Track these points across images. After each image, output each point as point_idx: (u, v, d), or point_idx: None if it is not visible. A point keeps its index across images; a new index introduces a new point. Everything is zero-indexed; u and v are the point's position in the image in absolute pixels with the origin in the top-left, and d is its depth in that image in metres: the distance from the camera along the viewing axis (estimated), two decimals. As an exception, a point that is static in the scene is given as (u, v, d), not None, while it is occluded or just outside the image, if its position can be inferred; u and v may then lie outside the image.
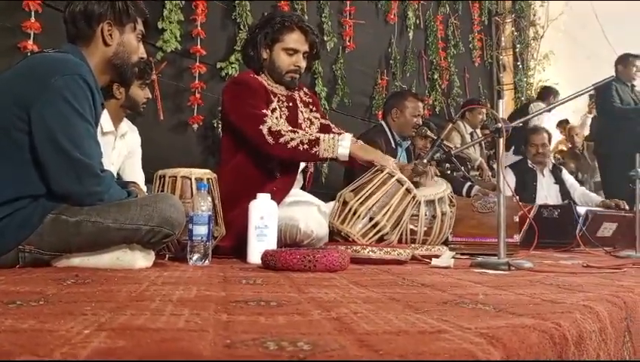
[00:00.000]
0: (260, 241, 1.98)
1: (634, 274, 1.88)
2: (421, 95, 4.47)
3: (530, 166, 4.63)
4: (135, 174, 2.77)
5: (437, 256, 2.14)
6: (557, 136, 6.91)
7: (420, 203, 2.39)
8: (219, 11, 3.76)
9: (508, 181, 3.58)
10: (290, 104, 2.56)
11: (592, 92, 5.11)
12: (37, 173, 1.63)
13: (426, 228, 2.44)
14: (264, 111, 2.38)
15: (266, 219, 2.00)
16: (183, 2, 3.42)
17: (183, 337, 0.73)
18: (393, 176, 2.27)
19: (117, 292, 1.14)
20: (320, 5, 4.55)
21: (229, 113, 2.46)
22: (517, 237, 2.94)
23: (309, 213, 2.31)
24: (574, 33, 7.37)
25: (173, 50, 3.36)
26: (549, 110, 5.07)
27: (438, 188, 2.51)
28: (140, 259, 1.69)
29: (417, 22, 5.72)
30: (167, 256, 2.02)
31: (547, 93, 6.04)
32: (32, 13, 2.70)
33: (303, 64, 2.56)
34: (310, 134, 2.34)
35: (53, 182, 1.63)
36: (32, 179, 1.63)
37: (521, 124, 2.33)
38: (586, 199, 4.56)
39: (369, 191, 2.24)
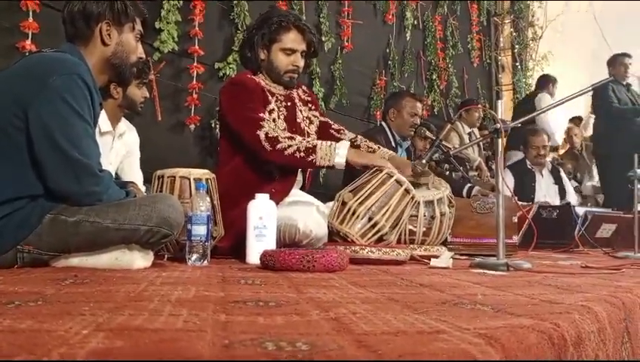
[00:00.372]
0: (259, 241, 1.98)
1: (632, 275, 1.89)
2: (419, 95, 4.47)
3: (529, 167, 4.63)
4: (133, 174, 2.77)
5: (436, 257, 2.14)
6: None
7: (419, 203, 2.39)
8: (217, 11, 3.77)
9: (507, 182, 3.59)
10: (289, 103, 2.56)
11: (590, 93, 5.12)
12: (35, 173, 1.63)
13: (424, 229, 2.43)
14: (261, 115, 2.37)
15: (264, 219, 2.00)
16: (181, 2, 3.42)
17: (181, 337, 0.72)
18: (392, 176, 2.27)
19: (115, 293, 1.14)
20: (318, 6, 4.55)
21: (227, 115, 2.45)
22: (516, 238, 2.94)
23: (307, 213, 2.31)
24: (573, 34, 7.38)
25: (170, 51, 3.35)
26: (547, 110, 5.05)
27: (437, 189, 2.51)
28: (139, 259, 1.69)
29: (415, 22, 5.73)
30: (165, 256, 2.02)
31: (546, 82, 5.94)
32: (30, 12, 2.70)
33: (302, 63, 2.55)
34: (307, 141, 2.33)
35: (52, 182, 1.63)
36: (30, 179, 1.63)
37: (519, 125, 2.33)
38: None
39: (368, 192, 2.24)
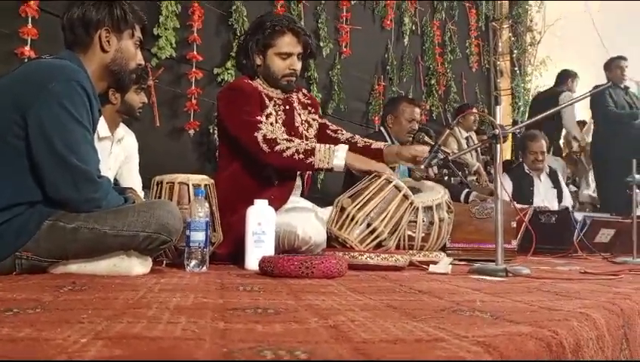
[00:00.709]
0: (258, 247, 1.98)
1: (631, 281, 1.89)
2: (418, 100, 4.48)
3: (526, 171, 4.64)
4: (132, 179, 2.77)
5: (435, 262, 2.14)
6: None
7: (417, 209, 2.39)
8: (215, 17, 3.78)
9: (505, 186, 3.59)
10: (287, 107, 2.56)
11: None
12: (34, 180, 1.63)
13: (423, 234, 2.44)
14: (258, 118, 2.37)
15: (263, 225, 2.00)
16: (179, 9, 3.43)
17: (179, 346, 0.72)
18: (391, 182, 2.27)
19: (114, 300, 1.14)
20: (317, 11, 4.56)
21: (224, 120, 2.45)
22: (514, 243, 2.94)
23: (306, 220, 2.31)
24: (571, 39, 7.39)
25: (169, 57, 3.36)
26: (544, 118, 5.06)
27: (436, 194, 2.51)
28: (137, 266, 1.69)
29: (414, 28, 5.74)
30: (164, 262, 2.01)
31: (565, 78, 5.88)
32: (30, 19, 2.71)
33: (298, 66, 2.53)
34: (306, 143, 2.33)
35: (50, 189, 1.63)
36: (29, 185, 1.63)
37: (518, 131, 2.34)
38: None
39: (367, 198, 2.24)
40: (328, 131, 2.68)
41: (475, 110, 5.52)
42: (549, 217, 3.78)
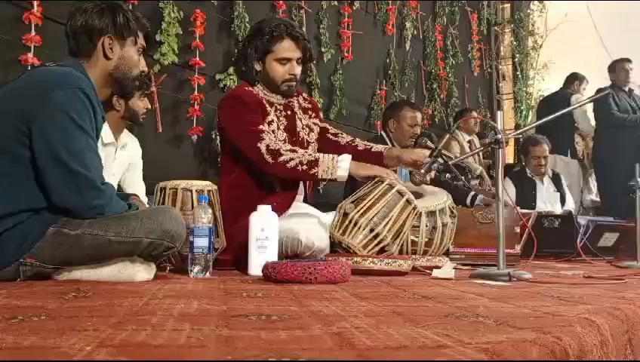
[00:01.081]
0: (261, 253, 1.98)
1: (635, 286, 1.88)
2: (418, 105, 4.49)
3: (529, 175, 4.63)
4: (136, 186, 2.78)
5: (438, 267, 2.14)
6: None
7: (420, 214, 2.39)
8: (217, 23, 3.79)
9: (508, 191, 3.59)
10: (289, 113, 2.56)
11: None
12: (38, 187, 1.64)
13: (426, 239, 2.43)
14: (261, 127, 2.37)
15: (266, 230, 2.00)
16: (182, 15, 3.44)
17: (184, 354, 0.73)
18: (393, 187, 2.27)
19: (118, 307, 1.14)
20: (318, 17, 4.58)
21: (226, 128, 2.46)
22: (518, 248, 2.93)
23: (309, 225, 2.31)
24: (573, 43, 7.39)
25: (171, 63, 3.37)
26: (540, 125, 5.05)
27: (438, 199, 2.51)
28: (141, 272, 1.70)
29: (415, 32, 5.75)
30: (168, 268, 2.02)
31: (571, 80, 5.86)
32: (33, 26, 2.72)
33: (298, 71, 2.52)
34: (310, 154, 2.33)
35: (54, 196, 1.63)
36: (33, 192, 1.63)
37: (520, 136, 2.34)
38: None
39: (369, 203, 2.24)
40: (329, 135, 2.68)
41: (475, 114, 5.53)
42: (553, 221, 3.78)
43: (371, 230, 2.22)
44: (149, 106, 2.76)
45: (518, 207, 2.87)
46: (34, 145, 1.61)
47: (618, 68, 5.32)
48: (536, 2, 7.91)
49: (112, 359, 0.68)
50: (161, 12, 3.35)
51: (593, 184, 5.88)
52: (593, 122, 5.73)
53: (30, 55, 2.70)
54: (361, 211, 2.23)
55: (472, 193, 3.92)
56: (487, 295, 1.50)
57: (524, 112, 7.48)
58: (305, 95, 2.77)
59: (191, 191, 2.07)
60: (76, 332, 0.85)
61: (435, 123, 5.90)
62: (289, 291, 1.49)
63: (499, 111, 2.27)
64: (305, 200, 2.62)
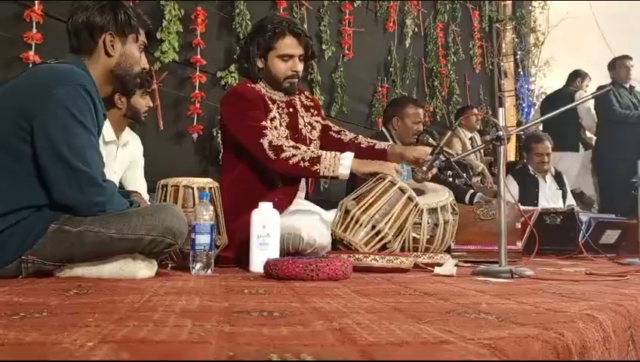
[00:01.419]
0: (262, 250, 1.99)
1: (637, 282, 1.88)
2: (421, 102, 4.48)
3: (531, 172, 4.63)
4: (137, 183, 2.78)
5: (440, 264, 2.13)
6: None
7: (422, 211, 2.39)
8: (218, 21, 3.78)
9: (510, 188, 3.58)
10: (291, 110, 2.56)
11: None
12: (39, 184, 1.64)
13: (428, 236, 2.43)
14: (263, 123, 2.37)
15: (268, 228, 2.01)
16: (183, 12, 3.44)
17: (185, 350, 0.73)
18: (395, 184, 2.27)
19: (120, 303, 1.14)
20: (319, 14, 4.57)
21: (229, 125, 2.46)
22: (520, 244, 2.93)
23: (311, 222, 2.31)
24: (575, 40, 7.38)
25: (172, 60, 3.37)
26: (542, 122, 5.04)
27: (440, 196, 2.51)
28: (143, 269, 1.70)
29: (416, 30, 5.74)
30: (169, 265, 2.02)
31: (574, 77, 5.77)
32: (34, 23, 2.72)
33: (300, 67, 2.53)
34: (312, 151, 2.34)
35: (56, 193, 1.63)
36: (34, 189, 1.63)
37: (522, 132, 2.34)
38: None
39: (371, 200, 2.24)
40: (331, 133, 2.68)
41: (476, 111, 5.52)
42: (554, 218, 3.77)
43: (373, 227, 2.22)
44: (151, 104, 2.76)
45: (519, 204, 2.86)
46: (35, 142, 1.61)
47: (619, 65, 5.31)
48: (538, -1, 7.91)
49: (114, 354, 0.68)
50: (162, 9, 3.35)
51: (591, 180, 5.86)
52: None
53: (31, 53, 2.69)
54: (363, 208, 2.23)
55: (471, 191, 3.92)
56: (489, 291, 1.50)
57: (525, 109, 7.47)
58: (307, 93, 2.77)
59: (192, 188, 2.07)
60: (78, 328, 0.85)
61: (437, 120, 5.89)
62: (291, 288, 1.49)
63: (500, 109, 2.27)
64: (306, 198, 2.62)
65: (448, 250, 2.63)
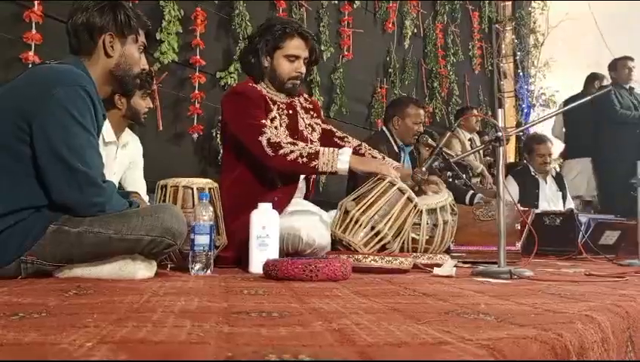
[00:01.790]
0: (262, 251, 1.99)
1: (636, 283, 1.88)
2: (422, 103, 4.48)
3: (532, 174, 4.63)
4: (137, 184, 2.78)
5: (439, 265, 2.14)
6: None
7: (421, 211, 2.39)
8: (218, 21, 3.78)
9: (510, 189, 3.59)
10: (291, 111, 2.57)
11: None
12: (39, 184, 1.64)
13: (427, 237, 2.43)
14: (263, 121, 2.38)
15: (267, 228, 2.01)
16: (182, 13, 3.44)
17: (184, 350, 0.73)
18: (394, 184, 2.27)
19: (119, 304, 1.14)
20: (318, 15, 4.57)
21: (229, 123, 2.47)
22: (519, 245, 2.93)
23: (310, 223, 2.31)
24: (574, 41, 7.39)
25: (171, 61, 3.37)
26: (545, 120, 5.04)
27: (439, 197, 2.51)
28: (142, 269, 1.70)
29: (416, 31, 5.74)
30: (169, 266, 2.02)
31: (591, 80, 5.75)
32: (33, 24, 2.72)
33: (304, 70, 2.56)
34: (310, 147, 2.34)
35: (55, 193, 1.63)
36: (33, 190, 1.63)
37: (521, 132, 2.34)
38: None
39: (370, 200, 2.24)
40: (335, 139, 2.70)
41: (475, 111, 5.52)
42: (554, 219, 3.78)
43: (372, 228, 2.22)
44: (151, 105, 2.76)
45: (518, 204, 2.86)
46: (34, 143, 1.61)
47: (620, 66, 5.29)
48: (537, 0, 7.90)
49: (112, 355, 0.68)
50: (161, 10, 3.35)
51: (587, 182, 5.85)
52: None
53: (31, 53, 2.69)
54: (362, 209, 2.23)
55: (471, 192, 3.92)
56: (487, 292, 1.50)
57: (525, 110, 7.47)
58: (306, 95, 2.78)
59: (192, 188, 2.07)
60: (77, 328, 0.85)
61: (436, 121, 5.89)
62: (290, 288, 1.49)
63: (500, 109, 2.27)
64: (306, 198, 2.62)
65: (447, 251, 2.63)
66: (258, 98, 2.47)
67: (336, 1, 4.76)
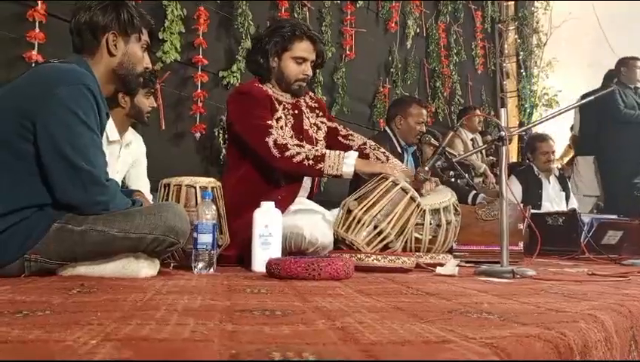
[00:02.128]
0: (265, 249, 1.99)
1: (639, 283, 1.88)
2: (425, 103, 4.47)
3: (536, 173, 4.62)
4: (140, 183, 2.78)
5: (442, 265, 2.13)
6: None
7: (424, 211, 2.39)
8: (220, 21, 3.79)
9: (513, 189, 3.58)
10: (296, 112, 2.57)
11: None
12: (42, 183, 1.64)
13: (430, 237, 2.43)
14: (269, 122, 2.38)
15: (270, 227, 2.01)
16: (185, 12, 3.44)
17: (188, 348, 0.73)
18: (397, 184, 2.27)
19: (122, 302, 1.15)
20: (321, 14, 4.57)
21: (235, 123, 2.47)
22: (521, 245, 2.93)
23: (313, 222, 2.31)
24: (577, 40, 7.37)
25: (173, 60, 3.37)
26: (548, 119, 5.02)
27: (443, 197, 2.51)
28: (145, 268, 1.70)
29: (418, 30, 5.74)
30: (172, 264, 2.02)
31: (608, 78, 5.74)
32: (37, 23, 2.72)
33: (311, 72, 2.57)
34: (316, 149, 2.35)
35: (58, 192, 1.64)
36: (37, 188, 1.64)
37: (524, 132, 2.34)
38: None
39: (373, 200, 2.24)
40: (339, 137, 2.69)
41: (478, 111, 5.52)
42: (556, 219, 3.77)
43: (375, 227, 2.22)
44: (155, 104, 2.76)
45: (521, 204, 2.85)
46: (38, 142, 1.61)
47: (633, 65, 5.24)
48: (540, 0, 7.89)
49: (116, 352, 0.68)
50: (164, 10, 3.35)
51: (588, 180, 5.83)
52: None
53: (34, 52, 2.70)
54: (365, 208, 2.23)
55: (474, 192, 3.92)
56: (491, 291, 1.50)
57: (527, 110, 7.46)
58: (311, 94, 2.78)
59: (195, 187, 2.07)
60: (81, 326, 0.85)
61: (439, 121, 5.88)
62: (293, 287, 1.49)
63: (502, 109, 2.26)
64: (310, 197, 2.62)
65: (450, 251, 2.62)
66: (264, 98, 2.47)
67: (339, 1, 4.76)
